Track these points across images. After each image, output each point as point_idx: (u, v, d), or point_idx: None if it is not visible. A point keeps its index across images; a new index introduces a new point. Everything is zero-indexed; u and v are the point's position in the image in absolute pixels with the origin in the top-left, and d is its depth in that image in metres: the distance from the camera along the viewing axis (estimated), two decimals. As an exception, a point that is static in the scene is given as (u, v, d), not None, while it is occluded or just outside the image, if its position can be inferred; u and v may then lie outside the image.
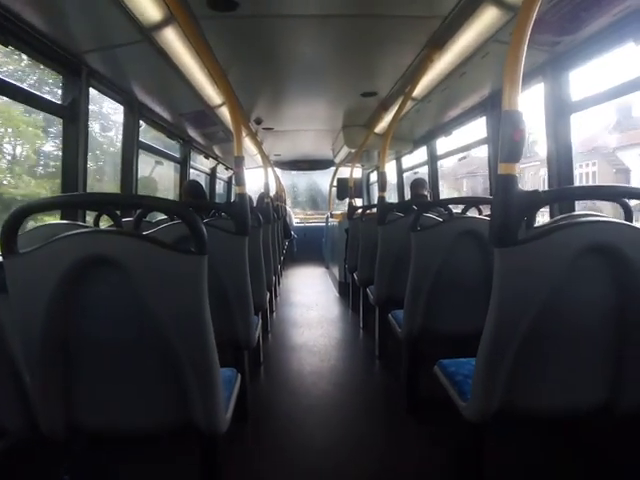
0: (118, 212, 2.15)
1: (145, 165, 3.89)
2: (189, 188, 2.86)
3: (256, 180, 7.72)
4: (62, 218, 2.18)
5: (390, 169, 5.70)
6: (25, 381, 1.10)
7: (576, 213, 1.95)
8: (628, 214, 1.46)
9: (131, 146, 2.96)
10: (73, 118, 2.26)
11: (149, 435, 1.21)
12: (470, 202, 2.24)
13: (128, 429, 1.16)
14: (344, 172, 6.95)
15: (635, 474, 1.31)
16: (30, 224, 2.00)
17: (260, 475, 1.60)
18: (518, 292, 1.07)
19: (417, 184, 3.45)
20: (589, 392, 1.18)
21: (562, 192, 1.53)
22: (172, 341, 1.05)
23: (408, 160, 5.36)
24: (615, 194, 1.33)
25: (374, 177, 7.24)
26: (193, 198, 2.74)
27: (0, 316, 1.09)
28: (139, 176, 3.12)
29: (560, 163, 2.29)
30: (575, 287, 1.09)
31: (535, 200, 1.05)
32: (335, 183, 7.08)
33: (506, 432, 1.59)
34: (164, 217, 2.43)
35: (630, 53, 1.95)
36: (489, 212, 2.54)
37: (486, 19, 1.94)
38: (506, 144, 1.01)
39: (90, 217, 2.37)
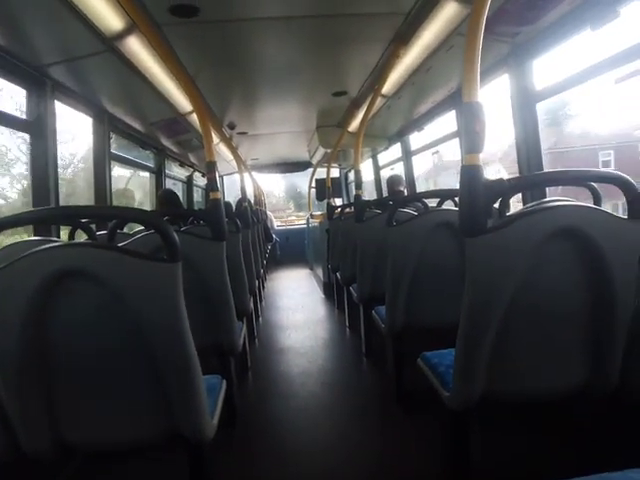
0: (93, 226, 2.12)
1: (119, 176, 3.84)
2: (164, 197, 2.84)
3: (235, 185, 7.69)
4: (35, 234, 2.14)
5: (367, 167, 5.74)
6: (3, 401, 1.07)
7: (546, 200, 2.00)
8: (596, 198, 1.49)
9: (102, 158, 2.92)
10: (40, 133, 2.22)
11: (137, 447, 1.19)
12: (444, 195, 2.27)
13: (114, 443, 1.15)
14: (323, 172, 6.98)
15: (615, 453, 1.34)
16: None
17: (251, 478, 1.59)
18: (490, 280, 1.09)
19: (393, 181, 3.48)
20: (567, 374, 1.20)
21: (527, 179, 1.56)
22: (151, 350, 1.04)
23: (385, 157, 5.41)
24: (582, 178, 1.36)
25: (352, 176, 7.27)
26: (168, 207, 2.72)
27: None
28: (114, 188, 3.08)
29: (529, 151, 2.33)
30: (546, 271, 1.11)
31: (501, 188, 1.07)
32: (314, 184, 7.09)
33: (491, 419, 1.61)
34: (142, 228, 2.41)
35: (588, 40, 2.01)
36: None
37: (447, 13, 1.97)
38: (469, 135, 1.03)
39: (65, 233, 2.33)
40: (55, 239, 2.09)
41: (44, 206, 2.23)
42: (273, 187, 11.94)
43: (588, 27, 1.84)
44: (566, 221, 1.07)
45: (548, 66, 2.34)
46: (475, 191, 1.04)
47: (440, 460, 1.57)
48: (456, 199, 2.42)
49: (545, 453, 1.55)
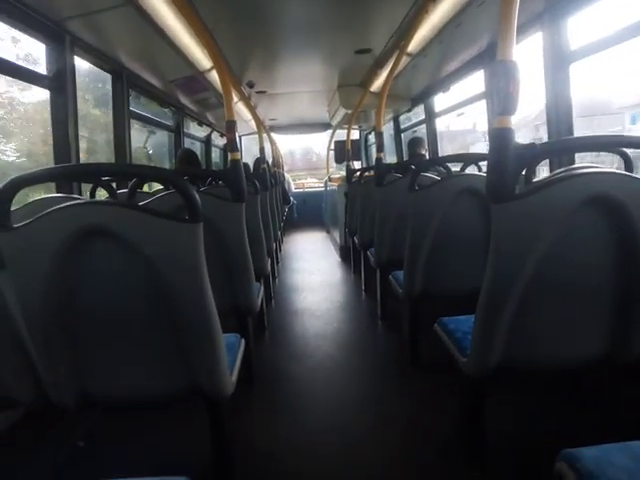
0: (114, 185, 2.13)
1: (138, 135, 3.83)
2: (183, 156, 2.83)
3: (253, 146, 7.63)
4: (57, 191, 2.17)
5: (387, 129, 5.60)
6: (32, 353, 1.12)
7: (575, 166, 1.93)
8: (628, 164, 1.43)
9: (122, 116, 2.90)
10: (60, 89, 2.21)
11: (157, 401, 1.24)
12: (468, 159, 2.20)
13: (135, 396, 1.19)
14: (342, 135, 6.85)
15: (634, 422, 1.34)
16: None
17: (268, 436, 1.65)
18: (516, 247, 1.06)
19: (414, 143, 3.39)
20: (589, 343, 1.19)
21: (559, 144, 1.50)
22: (172, 308, 1.06)
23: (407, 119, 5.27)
24: (614, 144, 1.30)
25: (372, 138, 7.13)
26: (187, 166, 2.71)
27: (1, 290, 1.10)
28: (133, 147, 3.08)
29: (559, 115, 2.24)
30: (574, 240, 1.08)
31: (532, 154, 1.03)
32: (332, 146, 6.98)
33: (506, 387, 1.62)
34: (161, 187, 2.41)
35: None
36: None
37: None
38: (501, 96, 0.98)
39: (86, 190, 2.36)
40: (77, 196, 2.12)
41: (65, 162, 2.25)
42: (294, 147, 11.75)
43: None
44: (598, 188, 1.03)
45: (583, 25, 2.21)
46: (505, 156, 1.00)
47: (454, 425, 1.60)
48: (480, 164, 2.37)
49: (562, 422, 1.56)
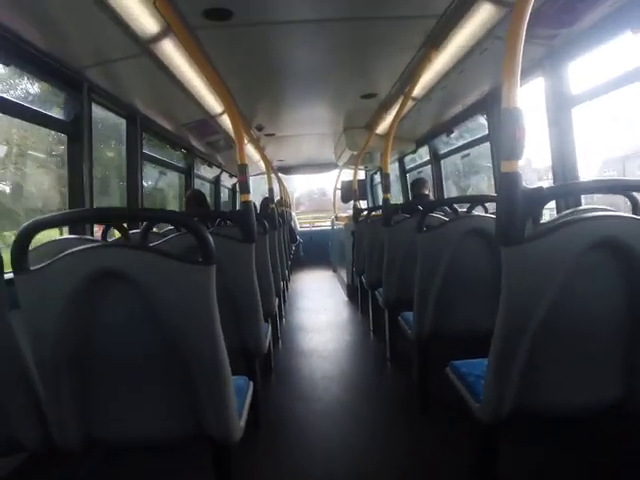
0: (125, 225, 2.16)
1: (150, 175, 3.92)
2: (192, 197, 2.87)
3: (260, 186, 7.75)
4: (70, 233, 2.20)
5: (393, 170, 5.69)
6: (39, 395, 1.11)
7: (582, 208, 1.94)
8: (635, 207, 1.44)
9: (135, 159, 2.99)
10: (77, 134, 2.28)
11: (163, 444, 1.21)
12: (475, 200, 2.22)
13: (142, 440, 1.17)
14: (348, 174, 6.96)
15: None
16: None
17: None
18: (527, 290, 1.06)
19: (418, 184, 3.44)
20: (603, 389, 1.16)
21: (566, 187, 1.52)
22: (183, 352, 1.05)
23: (411, 160, 5.36)
24: (621, 187, 1.31)
25: (377, 178, 7.24)
26: (196, 207, 2.75)
27: (13, 330, 1.10)
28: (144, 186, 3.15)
29: (564, 158, 2.27)
30: (584, 283, 1.07)
31: (540, 196, 1.04)
32: (339, 186, 7.08)
33: (520, 433, 1.57)
34: (171, 227, 2.45)
35: (628, 43, 1.94)
36: (494, 210, 2.54)
37: (482, 16, 1.94)
38: (507, 142, 1.01)
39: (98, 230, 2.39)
40: (90, 237, 2.15)
41: (79, 204, 2.30)
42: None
43: (629, 30, 1.78)
44: (607, 231, 1.03)
45: (585, 70, 2.27)
46: (514, 198, 1.02)
47: (466, 473, 1.54)
48: (486, 205, 2.39)
49: (575, 469, 1.50)
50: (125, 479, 1.60)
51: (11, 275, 1.02)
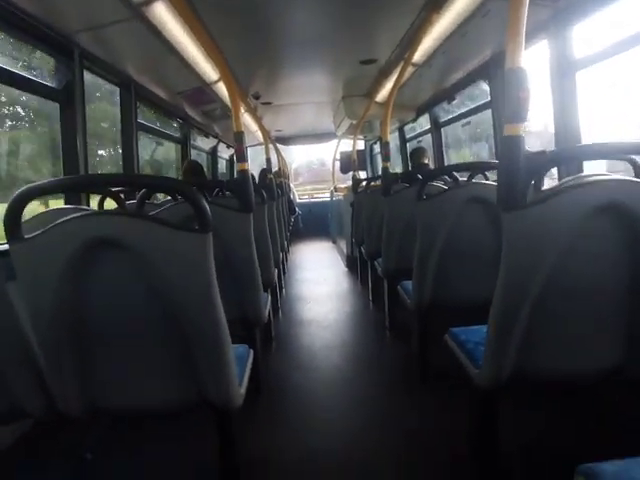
0: (122, 195, 2.14)
1: (145, 146, 3.87)
2: (189, 168, 2.84)
3: (258, 157, 7.67)
4: (66, 203, 2.18)
5: (393, 139, 5.62)
6: (41, 365, 1.12)
7: (585, 174, 1.92)
8: (638, 171, 1.42)
9: (130, 128, 2.93)
10: (69, 101, 2.23)
11: (166, 412, 1.23)
12: (476, 168, 2.19)
13: (144, 407, 1.19)
14: (347, 145, 6.87)
15: None
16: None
17: (274, 447, 1.63)
18: (527, 256, 1.05)
19: (417, 153, 3.39)
20: (602, 355, 1.17)
21: (569, 152, 1.49)
22: (182, 320, 1.05)
23: (411, 129, 5.28)
24: (624, 151, 1.29)
25: (377, 148, 7.15)
26: (193, 177, 2.72)
27: (11, 301, 1.10)
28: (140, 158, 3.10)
29: (567, 123, 2.23)
30: (586, 248, 1.06)
31: (542, 161, 1.02)
32: (338, 156, 7.00)
33: (519, 399, 1.60)
34: (168, 199, 2.42)
35: (633, 5, 1.88)
36: (496, 178, 2.52)
37: None
38: (511, 104, 0.98)
39: (94, 202, 2.37)
40: (86, 207, 2.13)
41: (74, 173, 2.27)
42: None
43: None
44: (609, 196, 1.02)
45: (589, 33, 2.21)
46: (516, 163, 0.99)
47: (466, 439, 1.57)
48: (486, 173, 2.36)
49: (578, 435, 1.53)
50: (130, 445, 1.64)
51: (6, 247, 1.01)
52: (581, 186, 1.02)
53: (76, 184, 1.44)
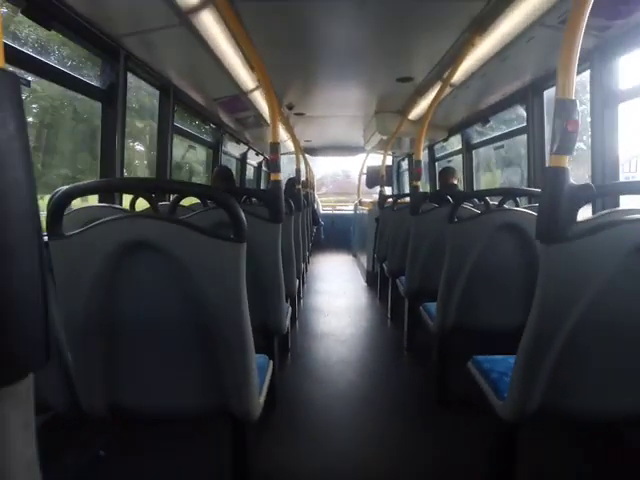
0: (153, 195, 2.18)
1: (177, 148, 3.94)
2: (219, 173, 2.87)
3: (283, 166, 7.72)
4: (100, 201, 2.23)
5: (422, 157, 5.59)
6: (68, 360, 1.13)
7: (621, 209, 1.87)
8: None
9: (166, 131, 2.99)
10: (111, 102, 2.29)
11: (185, 417, 1.24)
12: (509, 193, 2.17)
13: (165, 410, 1.19)
14: (373, 159, 6.86)
15: None
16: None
17: (287, 460, 1.62)
18: (565, 289, 1.02)
19: (446, 173, 3.37)
20: (634, 395, 1.13)
21: (615, 187, 1.45)
22: (210, 326, 1.06)
23: (441, 149, 5.26)
24: None
25: (404, 165, 7.13)
26: (223, 183, 2.76)
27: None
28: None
29: (605, 156, 2.18)
30: (625, 286, 1.03)
31: (587, 195, 1.00)
32: (364, 170, 7.00)
33: (542, 433, 1.55)
34: (196, 202, 2.45)
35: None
36: (527, 204, 2.47)
37: (532, 1, 1.85)
38: (558, 135, 0.96)
39: (126, 199, 2.42)
40: (119, 207, 2.17)
41: (110, 173, 2.32)
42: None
43: None
44: None
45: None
46: (559, 195, 0.97)
47: (480, 469, 1.53)
48: (517, 199, 2.32)
49: (599, 474, 1.47)
50: (142, 446, 1.64)
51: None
52: (623, 223, 1.00)
53: (113, 186, 1.48)
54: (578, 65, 2.25)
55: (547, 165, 1.00)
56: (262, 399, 1.25)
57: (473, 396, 1.42)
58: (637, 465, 1.48)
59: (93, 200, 2.23)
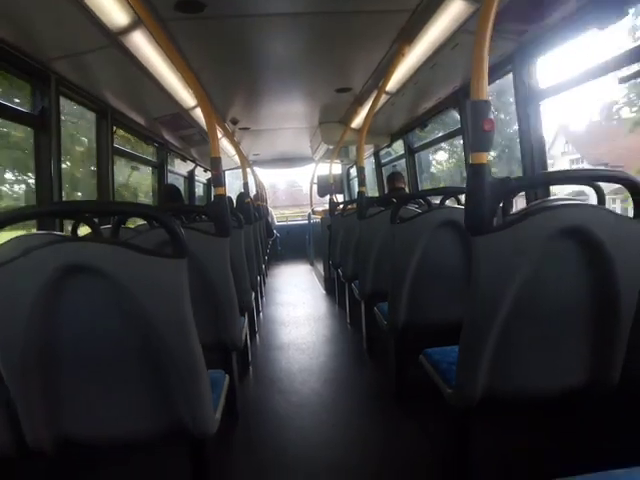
0: (96, 220, 2.12)
1: (122, 170, 3.84)
2: (166, 192, 2.84)
3: (237, 180, 7.68)
4: (38, 229, 2.14)
5: (369, 163, 5.73)
6: (8, 395, 1.08)
7: (550, 198, 2.00)
8: (600, 197, 1.50)
9: (106, 153, 2.92)
10: (44, 127, 2.22)
11: (139, 442, 1.20)
12: (448, 192, 2.27)
13: (117, 437, 1.16)
14: (324, 168, 6.97)
15: (619, 450, 1.35)
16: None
17: (251, 474, 1.61)
18: (495, 278, 1.09)
19: (394, 177, 3.48)
20: (570, 373, 1.22)
21: (533, 179, 1.57)
22: (156, 346, 1.04)
23: (387, 154, 5.41)
24: (586, 178, 1.36)
25: (354, 172, 7.27)
26: (170, 201, 2.72)
27: None
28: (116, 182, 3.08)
29: (533, 150, 2.33)
30: (551, 271, 1.12)
31: (507, 188, 1.07)
32: (315, 180, 7.08)
33: (492, 417, 1.62)
34: (144, 223, 2.41)
35: (594, 39, 2.01)
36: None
37: (453, 10, 1.97)
38: (476, 134, 1.03)
39: (67, 225, 2.34)
40: (58, 233, 2.10)
41: (47, 199, 2.24)
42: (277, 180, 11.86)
43: (595, 26, 1.83)
44: (571, 220, 1.08)
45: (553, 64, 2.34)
46: (482, 189, 1.04)
47: (440, 458, 1.58)
48: (459, 197, 2.44)
49: (547, 451, 1.56)
50: (100, 476, 1.58)
51: None
52: (544, 211, 1.08)
53: (50, 212, 1.43)
54: (501, 68, 2.43)
55: (469, 162, 1.07)
56: (218, 415, 1.25)
57: (429, 388, 1.48)
58: (583, 438, 1.58)
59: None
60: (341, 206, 4.14)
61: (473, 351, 1.16)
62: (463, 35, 2.16)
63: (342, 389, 2.33)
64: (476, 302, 1.12)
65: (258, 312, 3.96)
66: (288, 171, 10.16)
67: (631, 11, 1.68)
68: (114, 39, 1.97)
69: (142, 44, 2.10)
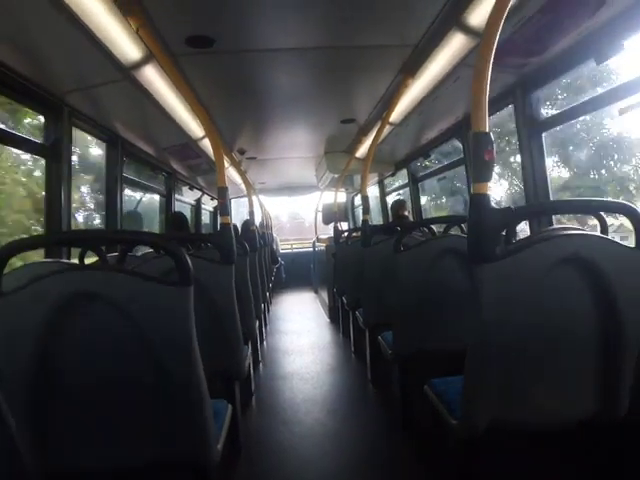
0: (103, 247, 2.14)
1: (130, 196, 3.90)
2: (173, 220, 2.87)
3: (242, 207, 7.75)
4: (46, 256, 2.17)
5: (373, 192, 5.79)
6: (10, 425, 1.07)
7: (552, 227, 2.01)
8: (603, 227, 1.50)
9: (114, 182, 2.97)
10: (56, 157, 2.27)
11: (138, 471, 1.19)
12: (452, 221, 2.28)
13: (118, 466, 1.14)
14: (329, 196, 7.03)
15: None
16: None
17: None
18: (498, 307, 1.09)
19: (398, 205, 3.51)
20: (576, 403, 1.20)
21: (534, 208, 1.58)
22: (160, 374, 1.04)
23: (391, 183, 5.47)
24: (589, 208, 1.37)
25: (358, 200, 7.32)
26: (177, 229, 2.75)
27: None
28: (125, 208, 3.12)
29: (536, 180, 2.35)
30: (554, 299, 1.11)
31: (508, 217, 1.09)
32: (320, 208, 7.14)
33: (498, 448, 1.58)
34: (151, 251, 2.43)
35: (592, 71, 2.05)
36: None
37: (454, 45, 2.03)
38: (477, 164, 1.06)
39: (75, 253, 2.36)
40: (66, 261, 2.12)
41: (56, 227, 2.27)
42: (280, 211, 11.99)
43: (593, 60, 1.88)
44: (573, 249, 1.08)
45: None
46: (483, 219, 1.06)
47: None
48: (463, 225, 2.45)
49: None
50: None
51: None
52: (546, 240, 1.09)
53: (59, 241, 1.46)
54: (502, 100, 2.47)
55: (471, 192, 1.09)
56: (221, 445, 1.23)
57: (432, 419, 1.45)
58: (589, 467, 1.53)
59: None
60: (346, 234, 4.17)
61: (477, 381, 1.15)
62: (464, 69, 2.22)
63: (346, 420, 2.29)
64: (480, 331, 1.11)
65: (262, 340, 3.93)
66: (291, 203, 10.22)
67: (627, 44, 1.72)
68: (126, 73, 2.04)
69: (153, 77, 2.17)
